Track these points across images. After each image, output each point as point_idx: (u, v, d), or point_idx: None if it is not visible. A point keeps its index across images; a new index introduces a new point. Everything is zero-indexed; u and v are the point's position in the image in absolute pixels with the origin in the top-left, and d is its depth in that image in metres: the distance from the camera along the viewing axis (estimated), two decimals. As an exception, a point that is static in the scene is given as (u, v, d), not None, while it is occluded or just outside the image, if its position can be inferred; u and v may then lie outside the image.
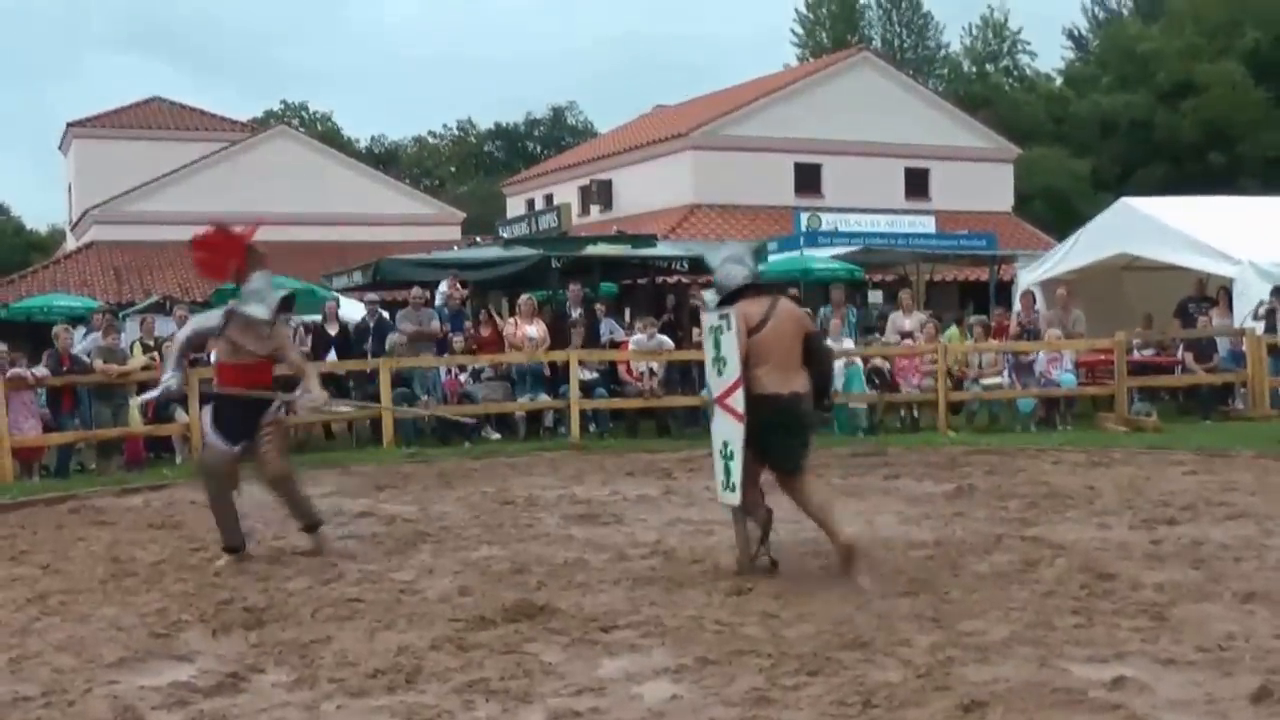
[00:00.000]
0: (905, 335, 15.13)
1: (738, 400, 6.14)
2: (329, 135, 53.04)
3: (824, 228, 23.50)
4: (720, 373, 6.22)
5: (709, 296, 7.13)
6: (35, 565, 7.30)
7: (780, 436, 6.20)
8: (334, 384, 14.28)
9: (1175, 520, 7.66)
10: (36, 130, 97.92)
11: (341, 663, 4.92)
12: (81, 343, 13.53)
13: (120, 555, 7.48)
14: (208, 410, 7.46)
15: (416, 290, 14.99)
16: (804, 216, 24.27)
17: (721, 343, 6.18)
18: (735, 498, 6.27)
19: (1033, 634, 5.06)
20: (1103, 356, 14.45)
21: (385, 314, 15.57)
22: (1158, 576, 6.06)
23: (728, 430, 6.21)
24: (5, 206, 61.03)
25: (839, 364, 14.25)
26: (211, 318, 7.66)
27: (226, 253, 7.58)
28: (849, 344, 14.75)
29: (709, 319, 6.38)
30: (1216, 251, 14.74)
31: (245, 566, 7.05)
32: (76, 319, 16.47)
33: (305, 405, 8.09)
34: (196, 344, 8.11)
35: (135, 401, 11.69)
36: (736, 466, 6.17)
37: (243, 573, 6.86)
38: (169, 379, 7.63)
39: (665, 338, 14.65)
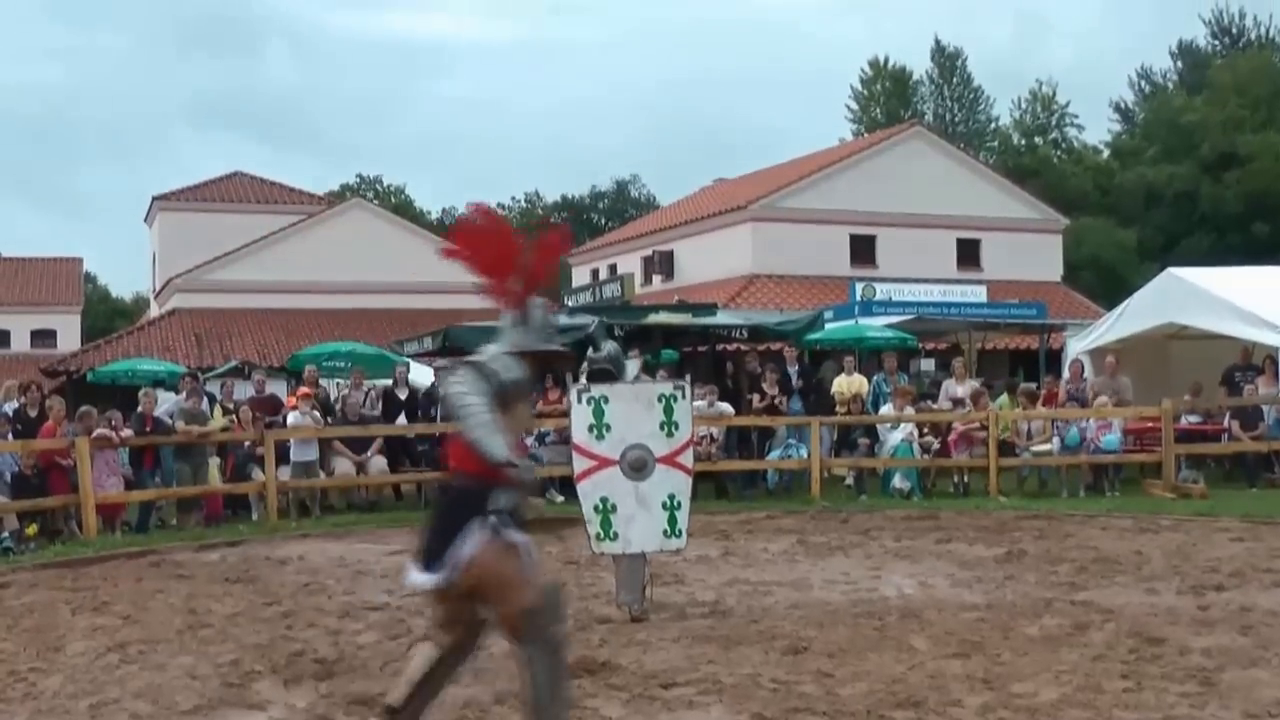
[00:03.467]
0: (957, 402, 15.20)
1: (688, 457, 7.34)
2: (402, 207, 54.23)
3: (878, 297, 23.56)
4: (671, 434, 7.24)
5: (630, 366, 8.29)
6: (116, 616, 7.55)
7: None
8: (402, 446, 14.68)
9: (1223, 586, 7.64)
10: (124, 203, 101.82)
11: (409, 714, 5.10)
12: (164, 405, 14.01)
13: (197, 607, 7.71)
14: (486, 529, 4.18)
15: None
16: (859, 286, 24.37)
17: (675, 409, 7.26)
18: (683, 542, 7.36)
19: (1082, 696, 5.10)
20: (1150, 424, 14.42)
21: (453, 379, 15.92)
22: (1206, 642, 6.07)
23: (676, 484, 7.25)
24: (93, 275, 63.06)
25: (897, 433, 14.42)
26: (505, 364, 4.39)
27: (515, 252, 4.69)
28: (910, 411, 14.84)
29: (655, 388, 7.61)
30: (1262, 320, 14.66)
31: (316, 620, 7.26)
32: (159, 382, 17.04)
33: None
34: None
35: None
36: (684, 514, 7.26)
37: (313, 625, 7.07)
38: (524, 469, 4.30)
39: (726, 405, 14.82)
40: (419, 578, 4.22)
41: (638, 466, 7.16)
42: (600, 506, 7.17)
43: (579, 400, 7.26)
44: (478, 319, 22.28)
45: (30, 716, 5.22)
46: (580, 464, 7.25)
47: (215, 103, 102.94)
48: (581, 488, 7.25)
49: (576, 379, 15.91)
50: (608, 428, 7.17)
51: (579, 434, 7.25)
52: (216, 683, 5.71)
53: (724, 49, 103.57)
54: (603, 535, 7.18)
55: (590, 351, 7.64)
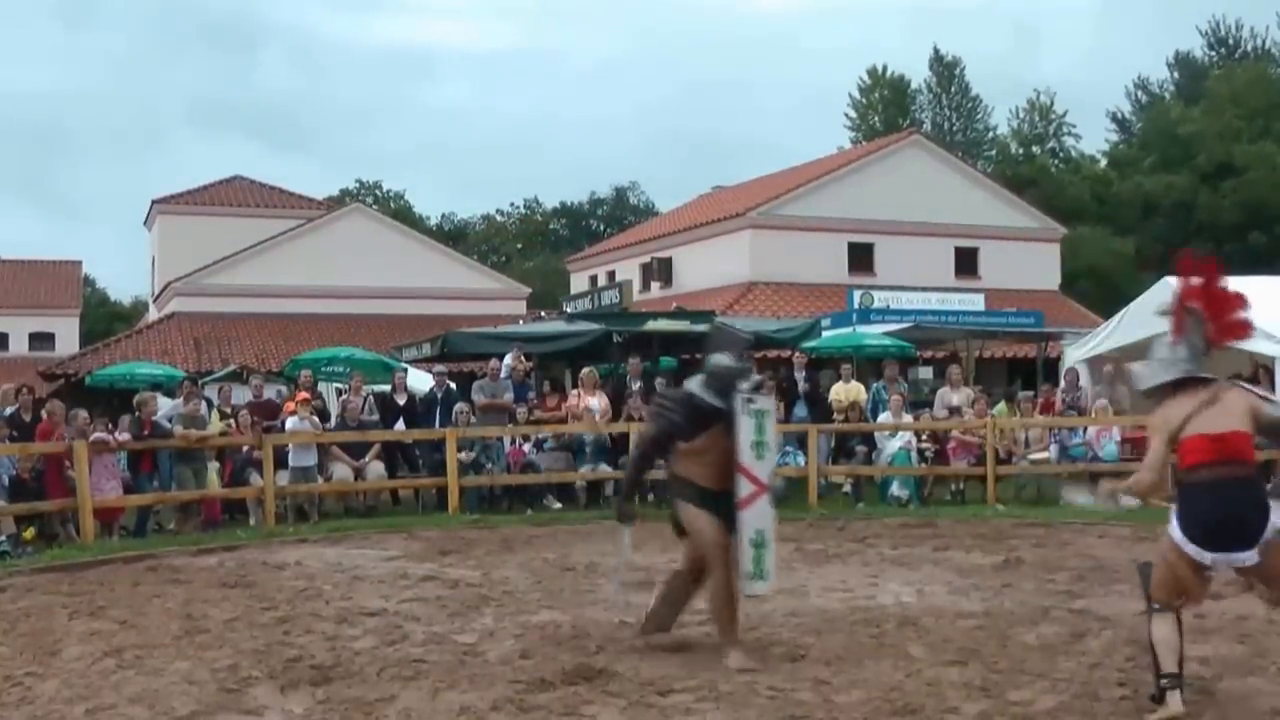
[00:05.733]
0: (953, 410, 15.21)
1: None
2: (401, 213, 54.25)
3: (876, 305, 23.59)
4: (761, 457, 6.19)
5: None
6: (112, 621, 7.53)
7: None
8: (401, 451, 14.66)
9: (1220, 595, 7.50)
10: (124, 207, 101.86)
11: (405, 721, 5.05)
12: (163, 409, 14.00)
13: (194, 612, 7.69)
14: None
15: (494, 362, 15.37)
16: (857, 294, 24.42)
17: (765, 427, 6.24)
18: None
19: (1079, 704, 5.11)
20: (1147, 433, 14.39)
21: (452, 385, 15.93)
22: (1203, 650, 6.06)
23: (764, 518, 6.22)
24: (92, 279, 63.05)
25: (895, 441, 14.42)
26: None
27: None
28: (908, 419, 14.85)
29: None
30: (1258, 330, 14.68)
31: (313, 625, 7.24)
32: (157, 386, 17.02)
33: None
34: None
35: None
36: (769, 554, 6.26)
37: (310, 631, 7.06)
38: None
39: None
40: (1242, 555, 4.89)
41: (780, 495, 6.49)
42: (756, 539, 6.15)
43: (745, 412, 6.17)
44: (475, 324, 22.38)
45: (27, 721, 5.21)
46: (744, 488, 6.13)
47: (215, 106, 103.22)
48: (744, 516, 6.13)
49: (575, 384, 16.08)
50: (766, 447, 6.24)
51: (746, 453, 6.14)
52: (213, 688, 5.69)
53: (723, 56, 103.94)
54: (754, 573, 6.15)
55: (723, 360, 6.30)
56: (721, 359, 6.27)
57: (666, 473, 6.54)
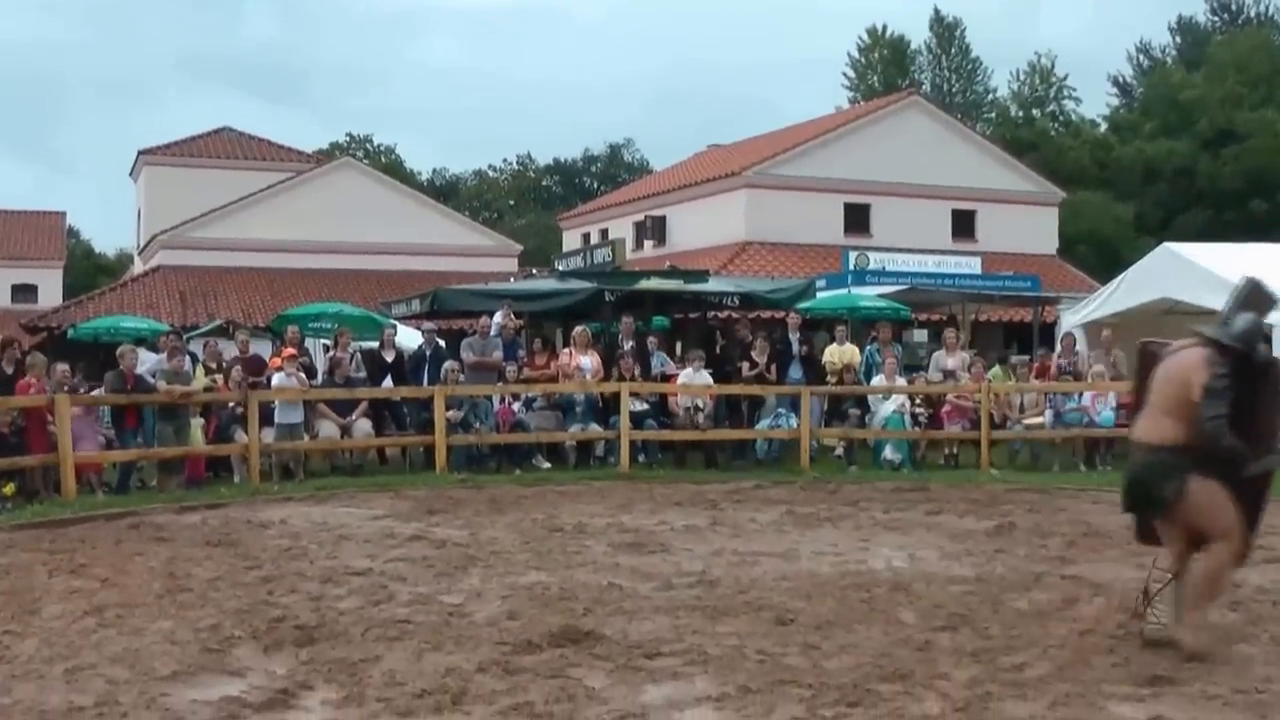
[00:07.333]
0: (948, 374, 15.13)
1: None
2: (392, 168, 53.87)
3: (872, 266, 23.49)
4: None
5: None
6: (94, 579, 7.45)
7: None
8: (389, 409, 14.55)
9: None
10: (110, 157, 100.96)
11: (389, 682, 5.01)
12: (146, 364, 13.85)
13: (176, 571, 7.62)
14: None
15: (484, 320, 15.23)
16: (852, 255, 24.31)
17: None
18: None
19: (1071, 671, 5.09)
20: None
21: (441, 342, 15.81)
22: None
23: None
24: (76, 230, 62.56)
25: (888, 404, 14.35)
26: None
27: None
28: (901, 382, 14.78)
29: None
30: None
31: (297, 585, 7.18)
32: (141, 340, 16.85)
33: None
34: None
35: None
36: None
37: (294, 591, 6.99)
38: None
39: (706, 374, 14.70)
40: None
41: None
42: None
43: None
44: (466, 281, 22.21)
45: (4, 680, 5.13)
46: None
47: (203, 57, 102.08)
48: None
49: (566, 343, 15.96)
50: None
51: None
52: (195, 648, 5.63)
53: (720, 13, 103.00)
54: None
55: (1251, 319, 5.83)
56: (1248, 317, 5.70)
57: (1160, 444, 5.54)
